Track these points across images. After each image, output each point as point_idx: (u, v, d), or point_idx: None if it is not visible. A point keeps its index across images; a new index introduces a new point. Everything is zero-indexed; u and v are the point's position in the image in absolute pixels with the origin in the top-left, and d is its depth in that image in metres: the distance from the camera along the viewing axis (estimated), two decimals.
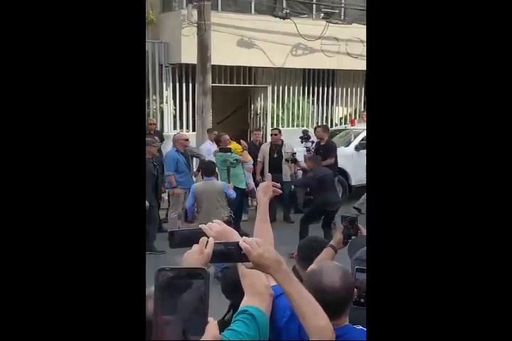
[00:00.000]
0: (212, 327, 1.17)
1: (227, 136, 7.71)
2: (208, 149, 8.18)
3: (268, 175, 2.14)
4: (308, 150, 8.07)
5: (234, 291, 1.86)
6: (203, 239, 1.55)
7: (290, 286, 1.54)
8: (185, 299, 1.15)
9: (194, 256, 1.50)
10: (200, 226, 1.80)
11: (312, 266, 1.83)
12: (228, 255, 1.56)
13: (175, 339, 1.12)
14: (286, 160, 8.07)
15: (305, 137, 8.19)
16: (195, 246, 1.53)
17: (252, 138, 8.66)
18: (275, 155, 8.24)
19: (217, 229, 1.77)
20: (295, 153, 7.96)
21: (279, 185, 2.13)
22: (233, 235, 1.79)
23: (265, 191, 2.06)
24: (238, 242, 1.56)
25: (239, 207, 7.55)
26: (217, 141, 7.90)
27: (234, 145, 7.74)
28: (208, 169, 6.21)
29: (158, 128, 10.43)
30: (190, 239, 1.79)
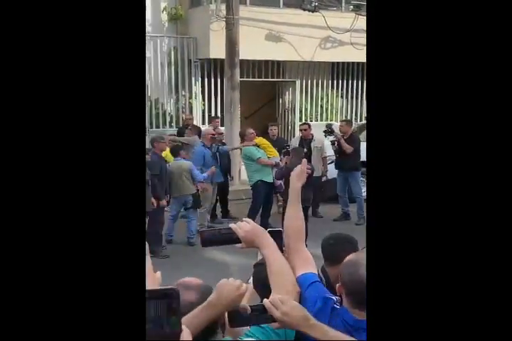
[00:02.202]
0: None
1: (251, 130, 7.64)
2: None
3: (303, 160, 2.08)
4: (333, 143, 8.02)
5: (264, 287, 1.86)
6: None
7: (328, 338, 1.51)
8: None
9: (231, 294, 1.56)
10: (230, 225, 1.80)
11: (348, 257, 1.82)
12: (254, 316, 1.53)
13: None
14: (280, 152, 7.96)
15: (329, 131, 8.14)
16: (237, 283, 1.60)
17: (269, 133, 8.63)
18: (305, 150, 8.19)
19: (246, 228, 1.77)
20: (288, 146, 7.81)
21: (309, 166, 2.09)
22: (263, 234, 1.78)
23: (299, 176, 1.99)
24: (262, 304, 1.52)
25: (266, 201, 7.55)
26: (241, 135, 7.88)
27: (259, 139, 7.68)
28: (173, 151, 7.25)
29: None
30: (221, 238, 1.80)
